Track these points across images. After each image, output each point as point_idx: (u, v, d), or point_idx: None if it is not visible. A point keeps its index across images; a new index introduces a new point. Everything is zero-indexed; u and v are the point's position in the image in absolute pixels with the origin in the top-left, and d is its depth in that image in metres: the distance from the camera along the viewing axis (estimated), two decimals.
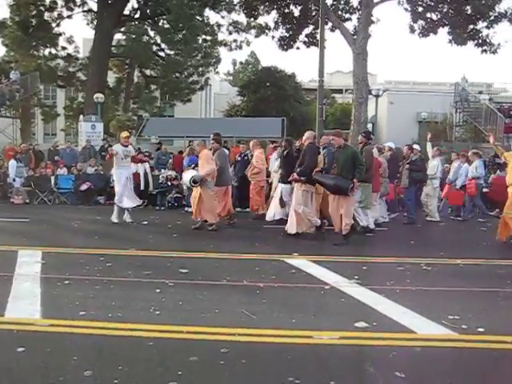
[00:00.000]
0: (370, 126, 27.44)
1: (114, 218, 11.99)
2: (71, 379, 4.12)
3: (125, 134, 12.82)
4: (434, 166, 13.97)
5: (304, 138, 11.05)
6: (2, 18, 29.84)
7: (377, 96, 25.54)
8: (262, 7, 24.29)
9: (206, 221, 11.24)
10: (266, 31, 26.15)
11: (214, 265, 8.06)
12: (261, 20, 27.19)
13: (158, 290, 6.42)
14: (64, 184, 16.91)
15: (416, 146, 14.42)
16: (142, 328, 5.14)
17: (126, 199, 11.99)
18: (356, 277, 7.24)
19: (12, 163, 16.63)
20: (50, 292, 6.33)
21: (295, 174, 10.53)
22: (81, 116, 22.86)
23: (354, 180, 9.75)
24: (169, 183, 15.74)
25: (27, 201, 16.33)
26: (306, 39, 24.45)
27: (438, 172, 14.06)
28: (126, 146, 12.15)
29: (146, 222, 11.93)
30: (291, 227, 10.53)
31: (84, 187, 16.17)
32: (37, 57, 31.27)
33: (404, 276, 7.52)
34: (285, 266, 7.98)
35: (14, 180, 16.56)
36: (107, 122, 26.24)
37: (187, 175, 11.56)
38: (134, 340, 4.91)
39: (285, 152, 11.88)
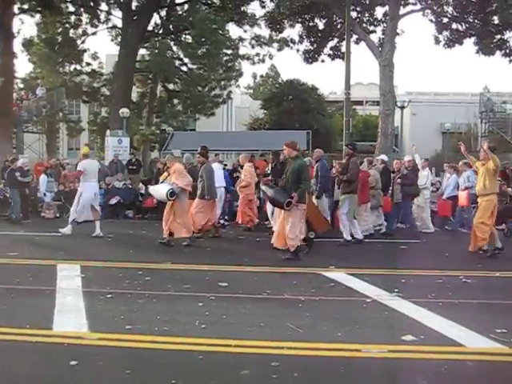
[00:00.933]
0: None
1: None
2: None
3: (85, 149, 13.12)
4: (423, 176, 13.88)
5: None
6: (29, 36, 30.52)
7: (402, 107, 25.43)
8: (287, 21, 24.49)
9: (171, 234, 11.01)
10: (291, 45, 26.29)
11: (253, 278, 8.08)
12: (284, 33, 27.48)
13: (200, 304, 6.44)
14: None
15: (407, 157, 14.23)
16: (189, 342, 5.16)
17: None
18: (396, 290, 7.19)
19: (43, 178, 16.87)
20: (94, 306, 6.38)
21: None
22: (108, 131, 23.11)
23: (293, 194, 9.27)
24: None
25: (57, 215, 16.50)
26: (331, 52, 24.58)
27: (428, 182, 14.00)
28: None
29: None
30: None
31: (113, 201, 16.30)
32: (62, 73, 31.77)
33: (444, 289, 7.45)
34: (323, 279, 7.96)
35: (44, 194, 16.77)
36: (131, 137, 26.49)
37: (163, 188, 11.39)
38: (183, 354, 4.93)
39: (273, 164, 12.35)
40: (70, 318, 5.93)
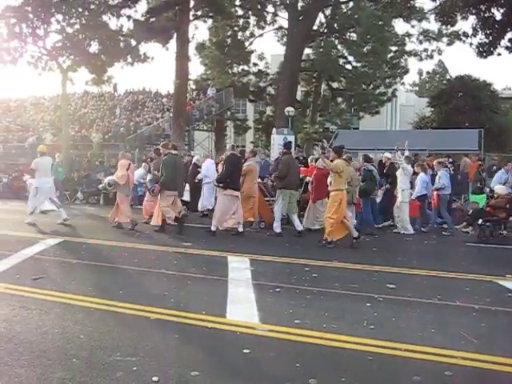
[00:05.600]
0: None
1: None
2: None
3: (42, 148, 13.94)
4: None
5: (227, 149, 12.49)
6: (202, 40, 32.49)
7: None
8: (459, 13, 23.19)
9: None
10: (463, 38, 24.88)
11: (422, 281, 7.80)
12: (456, 27, 26.11)
13: (368, 304, 6.38)
14: None
15: (387, 154, 14.60)
16: (358, 341, 5.14)
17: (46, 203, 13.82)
18: None
19: None
20: (264, 298, 6.61)
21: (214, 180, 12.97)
22: (273, 129, 23.77)
23: (155, 185, 12.20)
24: None
25: None
26: (509, 44, 22.74)
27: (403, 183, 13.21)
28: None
29: None
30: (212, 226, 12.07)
31: None
32: (231, 74, 33.44)
33: None
34: (499, 289, 7.45)
35: None
36: (295, 134, 26.98)
37: (106, 179, 13.83)
38: (352, 353, 4.91)
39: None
40: (242, 308, 6.22)
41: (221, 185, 12.15)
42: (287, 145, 13.09)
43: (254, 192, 12.75)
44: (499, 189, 12.60)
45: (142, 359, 4.64)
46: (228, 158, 12.44)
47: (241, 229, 12.06)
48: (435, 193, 13.41)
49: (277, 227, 12.14)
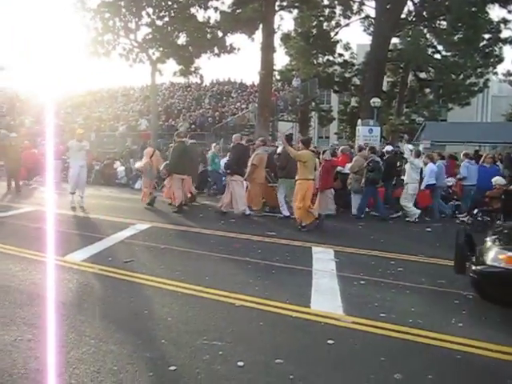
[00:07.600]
0: None
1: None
2: (382, 379, 4.21)
3: (80, 131, 14.83)
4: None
5: (233, 139, 13.80)
6: (287, 31, 32.46)
7: None
8: None
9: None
10: None
11: None
12: None
13: (456, 302, 6.21)
14: None
15: (388, 148, 14.86)
16: (445, 339, 5.03)
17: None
18: None
19: None
20: (349, 290, 6.57)
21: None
22: (359, 120, 23.42)
23: (164, 168, 13.88)
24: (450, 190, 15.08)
25: None
26: None
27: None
28: (81, 142, 13.91)
29: (429, 229, 11.69)
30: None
31: None
32: (316, 64, 33.20)
33: None
34: None
35: None
36: (381, 126, 26.45)
37: (136, 164, 15.88)
38: (439, 350, 4.80)
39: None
40: (326, 298, 6.21)
41: (228, 171, 13.32)
42: (288, 136, 13.42)
43: (263, 178, 13.64)
44: (498, 179, 12.37)
45: (228, 344, 4.75)
46: (235, 147, 13.49)
47: (247, 212, 12.99)
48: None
49: (283, 210, 12.80)
